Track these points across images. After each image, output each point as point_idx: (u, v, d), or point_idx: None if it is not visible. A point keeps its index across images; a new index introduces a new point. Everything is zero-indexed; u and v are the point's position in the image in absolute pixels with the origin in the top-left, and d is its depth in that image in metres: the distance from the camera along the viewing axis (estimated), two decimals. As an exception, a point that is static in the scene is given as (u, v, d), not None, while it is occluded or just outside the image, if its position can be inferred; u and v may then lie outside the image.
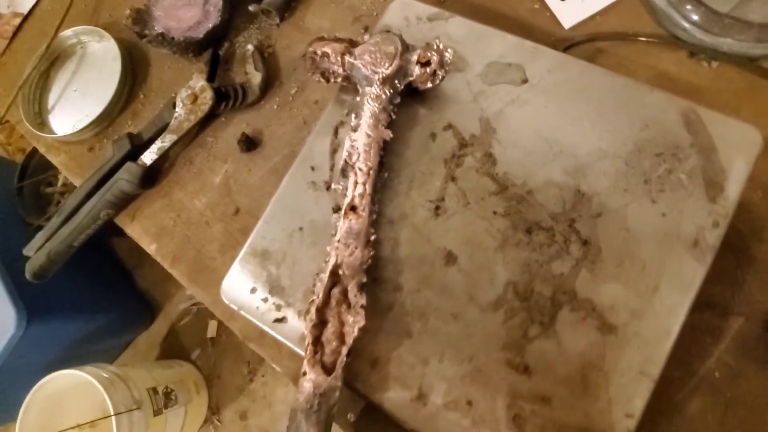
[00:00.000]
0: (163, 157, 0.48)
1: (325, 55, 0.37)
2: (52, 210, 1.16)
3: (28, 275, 0.47)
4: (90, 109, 0.53)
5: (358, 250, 0.33)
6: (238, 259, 0.37)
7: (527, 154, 0.34)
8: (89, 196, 0.47)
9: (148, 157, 0.47)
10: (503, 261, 0.32)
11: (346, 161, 0.35)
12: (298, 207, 0.37)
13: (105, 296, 1.20)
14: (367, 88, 0.36)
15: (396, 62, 0.35)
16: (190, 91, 0.47)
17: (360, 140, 0.35)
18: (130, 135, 0.49)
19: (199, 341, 1.30)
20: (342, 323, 0.32)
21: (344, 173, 0.35)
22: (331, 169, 0.38)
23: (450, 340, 0.32)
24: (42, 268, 0.47)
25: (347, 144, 0.35)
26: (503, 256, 0.33)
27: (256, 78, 0.48)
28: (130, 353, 1.32)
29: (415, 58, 0.35)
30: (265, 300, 0.35)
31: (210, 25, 0.50)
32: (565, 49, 0.42)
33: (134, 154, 0.48)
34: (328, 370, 0.31)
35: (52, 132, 0.55)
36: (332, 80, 0.38)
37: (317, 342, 0.32)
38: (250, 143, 0.47)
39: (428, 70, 0.35)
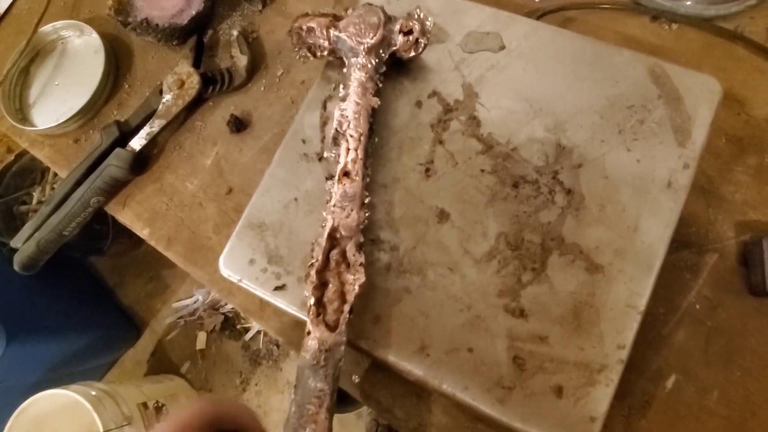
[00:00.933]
0: (152, 142, 0.48)
1: (310, 29, 0.38)
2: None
3: (17, 266, 0.46)
4: (74, 102, 0.53)
5: (354, 211, 0.34)
6: (235, 232, 0.37)
7: (509, 115, 0.36)
8: (78, 184, 0.46)
9: (137, 142, 0.47)
10: (493, 214, 0.34)
11: (336, 129, 0.36)
12: (292, 179, 0.38)
13: (87, 315, 1.17)
14: (353, 59, 0.37)
15: (380, 32, 0.36)
16: (176, 77, 0.48)
17: (349, 108, 0.36)
18: (117, 122, 0.49)
19: (189, 354, 1.28)
20: (342, 283, 0.33)
21: (336, 142, 0.36)
22: (322, 140, 0.39)
23: (448, 293, 0.33)
24: (31, 258, 0.46)
25: (337, 114, 0.36)
26: (493, 210, 0.34)
27: (241, 61, 0.49)
28: (116, 372, 1.29)
29: (397, 27, 0.37)
30: (264, 270, 0.36)
31: (193, 12, 0.50)
32: (538, 18, 0.44)
33: (123, 140, 0.48)
34: (331, 328, 0.32)
35: (34, 126, 0.55)
36: (318, 54, 0.39)
37: (319, 303, 0.33)
38: (239, 124, 0.48)
39: (411, 38, 0.36)
